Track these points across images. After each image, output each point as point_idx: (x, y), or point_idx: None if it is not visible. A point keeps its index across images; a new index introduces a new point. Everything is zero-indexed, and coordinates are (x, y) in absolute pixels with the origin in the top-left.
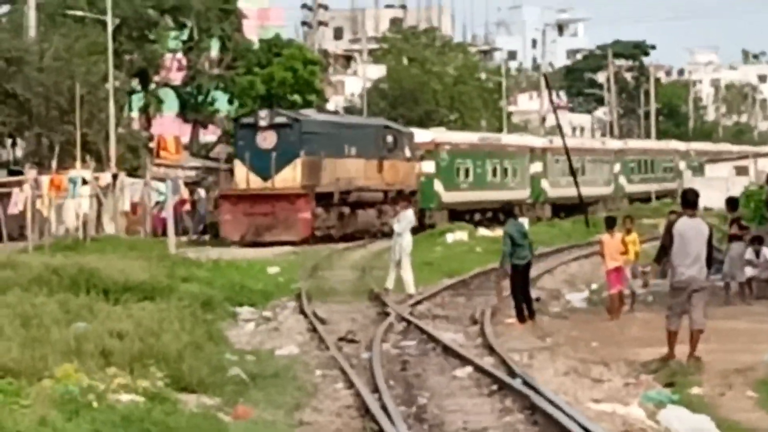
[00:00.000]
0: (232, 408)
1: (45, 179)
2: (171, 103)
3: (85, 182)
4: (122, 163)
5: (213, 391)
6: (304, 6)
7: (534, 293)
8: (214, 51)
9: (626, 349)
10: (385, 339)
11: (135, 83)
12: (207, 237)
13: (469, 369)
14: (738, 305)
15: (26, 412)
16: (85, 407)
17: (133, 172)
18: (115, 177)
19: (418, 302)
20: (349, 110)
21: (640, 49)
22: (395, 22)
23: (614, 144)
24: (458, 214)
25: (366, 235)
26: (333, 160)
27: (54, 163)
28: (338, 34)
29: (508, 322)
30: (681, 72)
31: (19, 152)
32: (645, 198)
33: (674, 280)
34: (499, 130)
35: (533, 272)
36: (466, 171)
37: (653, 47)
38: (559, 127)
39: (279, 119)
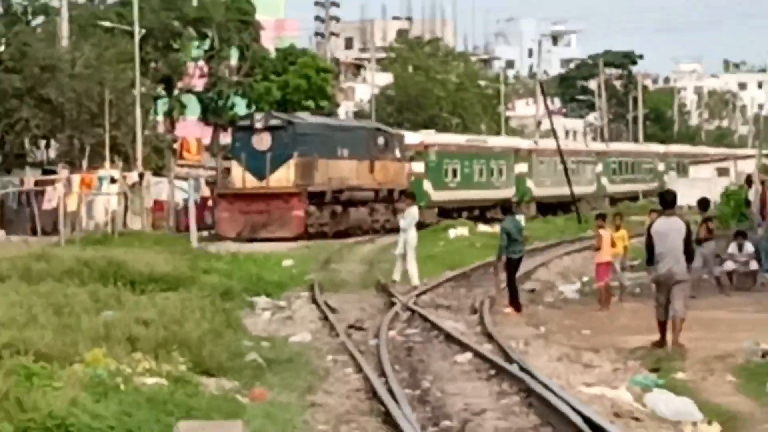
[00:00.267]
0: (249, 390)
1: (76, 178)
2: (193, 107)
3: (113, 181)
4: (148, 163)
5: (232, 375)
6: (317, 18)
7: (529, 285)
8: (234, 59)
9: (615, 336)
10: (391, 327)
11: (160, 89)
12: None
13: (469, 355)
14: (718, 296)
15: (58, 394)
16: (113, 389)
17: (158, 172)
18: (141, 176)
19: (422, 293)
20: (359, 115)
21: (629, 58)
22: (402, 33)
23: (596, 146)
24: (447, 212)
25: (358, 231)
26: (326, 161)
27: (85, 163)
28: (349, 44)
29: (506, 311)
30: (667, 80)
31: (52, 153)
32: (625, 198)
33: (655, 274)
34: (498, 133)
35: (528, 265)
36: (454, 171)
37: (641, 57)
38: (553, 131)
39: (274, 122)
